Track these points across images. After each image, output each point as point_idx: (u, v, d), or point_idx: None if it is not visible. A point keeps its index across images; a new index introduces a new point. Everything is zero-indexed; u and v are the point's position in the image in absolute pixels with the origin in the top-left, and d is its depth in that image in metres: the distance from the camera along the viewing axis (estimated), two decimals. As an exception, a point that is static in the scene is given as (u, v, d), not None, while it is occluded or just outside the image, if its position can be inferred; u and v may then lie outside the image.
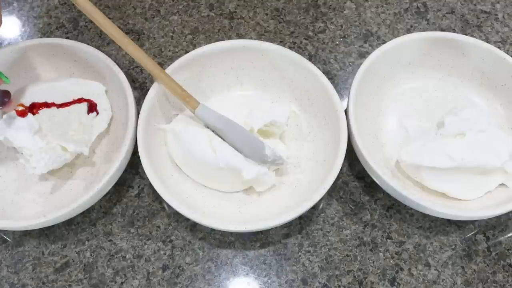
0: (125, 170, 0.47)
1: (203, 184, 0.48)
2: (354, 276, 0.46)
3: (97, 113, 0.50)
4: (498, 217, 0.49)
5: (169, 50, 0.58)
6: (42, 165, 0.44)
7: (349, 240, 0.47)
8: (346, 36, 0.59)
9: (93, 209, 0.48)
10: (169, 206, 0.47)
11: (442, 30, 0.60)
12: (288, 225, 0.48)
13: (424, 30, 0.60)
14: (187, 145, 0.47)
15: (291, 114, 0.52)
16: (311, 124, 0.51)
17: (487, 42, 0.55)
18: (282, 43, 0.59)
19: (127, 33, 0.58)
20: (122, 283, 0.45)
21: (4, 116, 0.46)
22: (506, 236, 0.48)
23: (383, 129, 0.52)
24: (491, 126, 0.47)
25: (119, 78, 0.49)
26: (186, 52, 0.52)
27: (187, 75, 0.50)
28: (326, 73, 0.54)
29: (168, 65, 0.49)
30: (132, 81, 0.56)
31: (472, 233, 0.48)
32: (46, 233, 0.47)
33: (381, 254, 0.47)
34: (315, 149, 0.50)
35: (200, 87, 0.51)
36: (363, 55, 0.58)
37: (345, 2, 0.62)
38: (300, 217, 0.48)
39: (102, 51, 0.50)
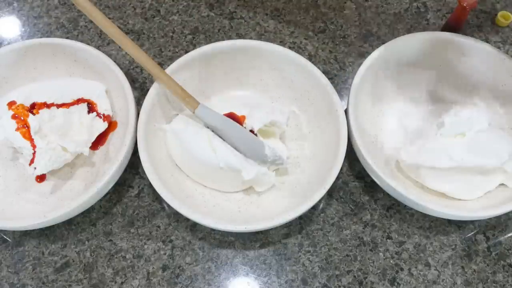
0: (125, 170, 0.47)
1: (203, 184, 0.48)
2: (354, 276, 0.46)
3: (97, 113, 0.50)
4: (498, 217, 0.49)
5: (169, 50, 0.58)
6: (42, 165, 0.44)
7: (349, 240, 0.47)
8: (346, 36, 0.59)
9: (93, 209, 0.48)
10: (169, 206, 0.47)
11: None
12: (288, 225, 0.48)
13: (424, 30, 0.60)
14: (187, 145, 0.47)
15: (291, 114, 0.52)
16: (311, 124, 0.51)
17: (487, 42, 0.55)
18: (282, 43, 0.59)
19: (127, 33, 0.59)
20: (122, 283, 0.45)
21: (4, 116, 0.46)
22: (506, 236, 0.48)
23: (383, 129, 0.51)
24: (491, 126, 0.47)
25: (119, 78, 0.49)
26: (186, 52, 0.52)
27: (187, 75, 0.50)
28: (326, 73, 0.54)
29: (168, 65, 0.49)
30: (132, 81, 0.55)
31: (472, 233, 0.48)
32: (46, 233, 0.47)
33: (381, 254, 0.47)
34: (315, 149, 0.50)
35: (200, 87, 0.51)
36: (363, 55, 0.58)
37: (345, 2, 0.62)
38: (300, 217, 0.48)
39: (102, 51, 0.50)
